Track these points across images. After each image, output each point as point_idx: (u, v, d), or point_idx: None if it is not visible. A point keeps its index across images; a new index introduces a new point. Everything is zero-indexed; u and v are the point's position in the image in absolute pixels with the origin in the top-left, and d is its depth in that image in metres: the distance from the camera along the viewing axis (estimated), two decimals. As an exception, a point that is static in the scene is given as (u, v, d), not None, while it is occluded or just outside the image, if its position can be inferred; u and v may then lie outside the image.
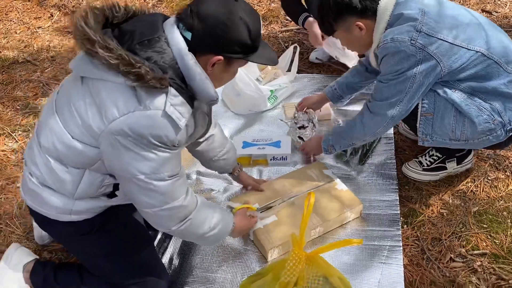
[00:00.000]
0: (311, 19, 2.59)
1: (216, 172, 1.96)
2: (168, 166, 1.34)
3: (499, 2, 3.42)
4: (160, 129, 1.26)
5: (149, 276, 1.60)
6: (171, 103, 1.26)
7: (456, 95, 1.73)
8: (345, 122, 2.00)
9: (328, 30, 1.84)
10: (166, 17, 1.36)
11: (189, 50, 1.27)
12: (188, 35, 1.28)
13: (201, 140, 1.77)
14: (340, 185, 1.98)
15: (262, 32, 1.38)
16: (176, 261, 1.83)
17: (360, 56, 2.26)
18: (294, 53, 2.69)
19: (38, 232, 1.88)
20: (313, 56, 2.93)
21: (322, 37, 2.55)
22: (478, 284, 1.67)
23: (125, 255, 1.57)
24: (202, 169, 2.10)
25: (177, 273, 1.78)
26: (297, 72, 2.73)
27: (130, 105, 1.24)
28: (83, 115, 1.29)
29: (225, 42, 1.28)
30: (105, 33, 1.26)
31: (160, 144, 1.28)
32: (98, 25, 1.26)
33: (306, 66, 2.92)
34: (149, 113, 1.24)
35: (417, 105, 1.79)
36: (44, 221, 1.52)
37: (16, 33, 3.52)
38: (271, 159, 2.22)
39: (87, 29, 1.21)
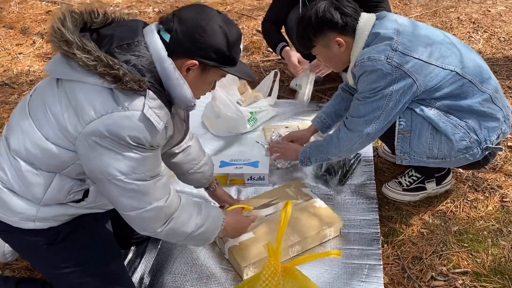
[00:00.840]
0: (288, 48, 2.64)
1: (192, 187, 1.91)
2: (149, 166, 1.30)
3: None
4: (138, 131, 1.23)
5: (119, 288, 1.51)
6: (149, 106, 1.23)
7: (432, 113, 1.74)
8: (324, 138, 1.99)
9: (306, 45, 1.86)
10: (146, 24, 1.36)
11: (168, 55, 1.26)
12: (167, 37, 1.27)
13: (177, 151, 1.73)
14: (319, 203, 1.94)
15: (241, 52, 1.39)
16: (146, 280, 1.73)
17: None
18: (275, 78, 2.72)
19: (0, 249, 1.77)
20: (293, 83, 2.96)
21: (300, 63, 2.59)
22: (460, 303, 1.62)
23: (91, 267, 1.47)
24: (181, 187, 2.05)
25: (148, 292, 1.69)
26: (278, 98, 2.74)
27: (107, 106, 1.20)
28: (59, 117, 1.25)
29: (202, 46, 1.28)
30: (83, 36, 1.25)
31: (138, 145, 1.25)
32: (76, 28, 1.25)
33: (287, 93, 2.94)
34: (127, 114, 1.21)
35: (395, 123, 1.79)
36: (6, 231, 1.43)
37: (-4, 58, 3.51)
38: (248, 179, 2.18)
39: (64, 30, 1.19)
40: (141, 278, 1.74)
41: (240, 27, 3.90)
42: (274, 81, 2.71)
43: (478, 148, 1.76)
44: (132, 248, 1.87)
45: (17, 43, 3.69)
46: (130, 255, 1.83)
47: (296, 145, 2.18)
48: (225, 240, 1.75)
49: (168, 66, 1.26)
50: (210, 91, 1.47)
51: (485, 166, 2.07)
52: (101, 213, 1.58)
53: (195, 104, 1.35)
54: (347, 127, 1.85)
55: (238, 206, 1.79)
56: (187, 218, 1.44)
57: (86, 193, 1.39)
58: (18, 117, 1.35)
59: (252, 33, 3.74)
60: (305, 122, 2.55)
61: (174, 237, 1.45)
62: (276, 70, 2.75)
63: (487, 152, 1.80)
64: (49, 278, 1.53)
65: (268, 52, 3.45)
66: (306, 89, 2.65)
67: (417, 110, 1.75)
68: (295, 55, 2.60)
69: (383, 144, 2.39)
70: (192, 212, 1.46)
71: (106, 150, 1.23)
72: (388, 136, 1.83)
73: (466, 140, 1.73)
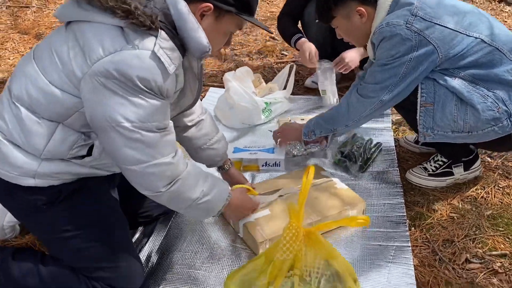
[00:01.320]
0: (303, 39, 2.58)
1: (205, 166, 1.79)
2: (157, 116, 1.20)
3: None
4: (148, 71, 1.14)
5: (122, 262, 1.37)
6: (161, 46, 1.16)
7: (457, 83, 1.63)
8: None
9: (326, 16, 1.79)
10: None
11: None
12: None
13: (189, 124, 1.64)
14: (340, 184, 1.81)
15: (258, 2, 1.33)
16: (154, 258, 1.59)
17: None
18: (290, 72, 2.64)
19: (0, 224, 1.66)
20: (308, 81, 2.88)
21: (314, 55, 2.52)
22: (500, 286, 1.45)
23: (94, 232, 1.35)
24: None
25: (155, 270, 1.55)
26: (292, 95, 2.66)
27: (117, 44, 1.13)
28: (65, 59, 1.17)
29: None
30: None
31: (147, 90, 1.16)
32: None
33: (302, 91, 2.86)
34: (137, 52, 1.13)
35: (416, 95, 1.69)
36: (4, 190, 1.32)
37: (9, 59, 3.49)
38: (263, 165, 2.06)
39: None
40: (149, 256, 1.60)
41: (253, 34, 3.92)
42: (289, 75, 2.63)
43: (508, 121, 1.63)
44: (140, 228, 1.74)
45: (30, 47, 3.69)
46: (137, 235, 1.70)
47: (296, 123, 2.09)
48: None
49: (182, 8, 1.19)
50: (225, 48, 1.39)
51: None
52: (107, 180, 1.47)
53: (210, 49, 1.26)
54: (359, 93, 1.75)
55: (244, 186, 1.68)
56: (193, 183, 1.33)
57: (90, 150, 1.29)
58: (22, 63, 1.28)
59: (266, 39, 3.71)
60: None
61: (177, 202, 1.33)
62: (292, 64, 2.68)
63: (517, 126, 1.68)
64: (48, 244, 1.40)
65: (282, 55, 3.40)
66: (330, 92, 2.57)
67: (440, 80, 1.65)
68: (309, 47, 2.53)
69: (404, 135, 2.29)
70: (199, 178, 1.36)
71: (112, 93, 1.14)
72: (409, 110, 1.72)
73: (494, 110, 1.61)
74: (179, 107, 1.43)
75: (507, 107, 1.62)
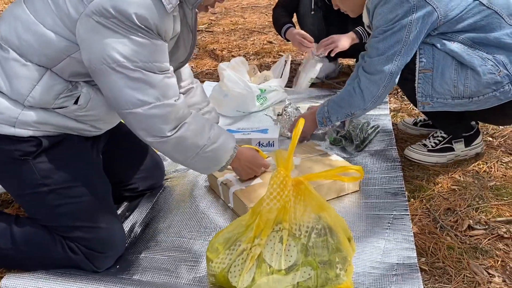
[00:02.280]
0: (293, 28, 2.57)
1: None
2: (157, 56, 1.17)
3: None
4: (146, 9, 1.12)
5: (102, 223, 1.29)
6: None
7: (456, 46, 1.58)
8: (342, 90, 1.81)
9: None
10: None
11: None
12: None
13: (180, 90, 1.58)
14: (335, 157, 1.74)
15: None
16: (137, 230, 1.51)
17: None
18: (286, 62, 2.61)
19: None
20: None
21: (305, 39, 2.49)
22: (506, 251, 1.35)
23: (74, 188, 1.28)
24: None
25: (137, 239, 1.46)
26: (288, 87, 2.62)
27: None
28: (59, 0, 1.14)
29: None
30: None
31: (145, 28, 1.13)
32: None
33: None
34: None
35: (414, 61, 1.63)
36: None
37: None
38: (256, 145, 1.99)
39: None
40: (132, 227, 1.51)
41: (251, 39, 3.92)
42: (285, 64, 2.59)
43: (510, 85, 1.56)
44: (124, 203, 1.66)
45: None
46: (121, 210, 1.62)
47: (306, 113, 2.01)
48: (229, 185, 1.55)
49: None
50: (220, 1, 1.35)
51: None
52: (91, 141, 1.41)
53: None
54: (366, 71, 1.68)
55: (252, 147, 1.63)
56: (199, 129, 1.29)
57: (77, 102, 1.24)
58: (11, 7, 1.24)
59: (263, 43, 3.70)
60: (318, 102, 2.41)
61: (184, 149, 1.28)
62: (288, 53, 2.65)
63: (521, 93, 1.61)
64: (22, 200, 1.32)
65: (279, 56, 3.38)
66: (301, 80, 2.53)
67: (439, 45, 1.59)
68: (299, 32, 2.51)
69: (403, 119, 2.22)
70: (205, 124, 1.32)
71: (109, 32, 1.11)
72: (406, 79, 1.65)
73: (495, 73, 1.54)
74: (173, 62, 1.36)
75: (508, 71, 1.56)
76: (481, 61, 1.56)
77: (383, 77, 1.64)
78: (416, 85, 1.64)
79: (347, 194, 1.62)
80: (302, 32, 2.51)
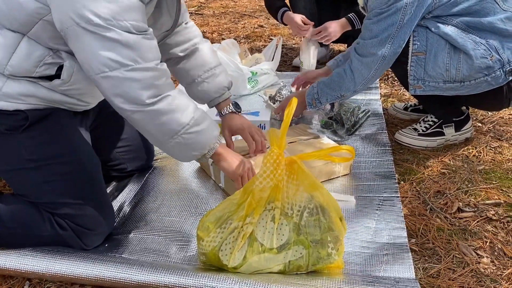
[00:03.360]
0: (289, 12, 2.54)
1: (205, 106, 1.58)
2: (133, 14, 1.08)
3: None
4: None
5: (91, 200, 1.27)
6: None
7: (450, 29, 1.58)
8: (332, 72, 1.80)
9: None
10: None
11: None
12: None
13: (181, 54, 1.48)
14: (326, 140, 1.73)
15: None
16: (126, 209, 1.49)
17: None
18: (277, 45, 2.58)
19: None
20: (296, 61, 2.83)
21: (304, 24, 2.47)
22: (495, 232, 1.36)
23: (62, 165, 1.24)
24: None
25: (127, 219, 1.44)
26: (280, 71, 2.60)
27: None
28: None
29: None
30: None
31: None
32: None
33: (289, 70, 2.80)
34: None
35: (408, 45, 1.62)
36: None
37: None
38: (248, 127, 1.97)
39: None
40: (120, 207, 1.49)
41: (242, 23, 3.88)
42: (276, 47, 2.57)
43: (501, 71, 1.57)
44: (113, 183, 1.63)
45: None
46: (109, 189, 1.60)
47: (297, 93, 2.00)
48: (220, 167, 1.53)
49: None
50: None
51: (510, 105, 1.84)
52: (79, 116, 1.38)
53: None
54: (359, 53, 1.67)
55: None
56: (184, 105, 1.19)
57: (59, 70, 1.19)
58: None
59: (254, 27, 3.66)
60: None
61: (164, 124, 1.16)
62: (279, 36, 2.62)
63: (511, 78, 1.61)
64: (8, 177, 1.28)
65: (270, 39, 3.35)
66: (306, 66, 2.52)
67: (433, 28, 1.59)
68: (297, 16, 2.49)
69: (393, 103, 2.22)
70: (190, 104, 1.22)
71: None
72: (398, 61, 1.65)
73: (487, 58, 1.55)
74: (157, 30, 1.29)
75: (500, 56, 1.56)
76: (474, 45, 1.55)
77: (375, 59, 1.63)
78: (408, 68, 1.63)
79: (338, 177, 1.62)
80: (302, 16, 2.48)
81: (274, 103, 2.14)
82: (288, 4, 2.72)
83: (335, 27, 2.41)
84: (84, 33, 1.06)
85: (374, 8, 1.61)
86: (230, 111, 1.55)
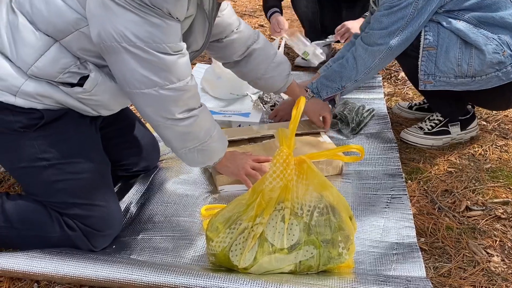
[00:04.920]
0: (277, 14, 2.55)
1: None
2: (171, 37, 1.13)
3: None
4: None
5: (101, 201, 1.26)
6: None
7: (462, 25, 1.57)
8: (332, 65, 1.78)
9: None
10: None
11: None
12: None
13: (238, 58, 1.62)
14: (324, 137, 1.73)
15: None
16: (133, 210, 1.48)
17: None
18: (279, 45, 2.58)
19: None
20: (299, 60, 2.82)
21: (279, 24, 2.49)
22: (504, 231, 1.36)
23: (73, 165, 1.23)
24: None
25: (133, 220, 1.43)
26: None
27: None
28: None
29: None
30: None
31: (157, 8, 1.08)
32: None
33: (292, 70, 2.78)
34: None
35: (419, 39, 1.61)
36: None
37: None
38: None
39: None
40: (127, 208, 1.48)
41: (242, 23, 3.87)
42: (279, 47, 2.56)
43: None
44: (119, 183, 1.62)
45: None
46: (115, 190, 1.58)
47: (289, 99, 1.98)
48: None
49: None
50: None
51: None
52: (90, 117, 1.37)
53: None
54: (365, 42, 1.66)
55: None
56: (208, 122, 1.32)
57: (82, 81, 1.19)
58: None
59: (255, 27, 3.65)
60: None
61: (186, 139, 1.28)
62: (281, 36, 2.61)
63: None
64: (20, 175, 1.27)
65: (271, 39, 3.33)
66: (311, 51, 2.50)
67: (444, 23, 1.58)
68: (278, 19, 2.51)
69: (398, 102, 2.21)
70: (212, 121, 1.35)
71: (121, 9, 1.06)
72: (409, 56, 1.64)
73: (499, 53, 1.54)
74: (189, 45, 1.31)
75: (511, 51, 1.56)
76: (486, 40, 1.55)
77: (381, 49, 1.63)
78: (419, 63, 1.62)
79: (341, 177, 1.62)
80: (281, 19, 2.50)
81: (265, 104, 2.13)
82: (291, 4, 2.72)
83: (354, 26, 2.38)
84: (124, 52, 1.10)
85: (386, 2, 1.60)
86: (312, 95, 1.79)
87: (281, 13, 2.59)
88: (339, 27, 2.41)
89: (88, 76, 1.18)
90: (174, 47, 1.15)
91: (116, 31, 1.08)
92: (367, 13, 2.41)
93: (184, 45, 1.20)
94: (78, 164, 1.24)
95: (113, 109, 1.35)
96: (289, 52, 2.99)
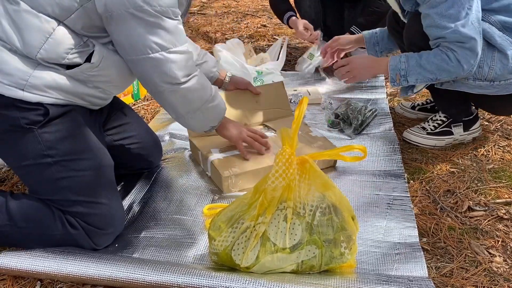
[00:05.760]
0: (294, 18, 2.56)
1: None
2: (173, 1, 1.19)
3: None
4: None
5: (104, 199, 1.26)
6: None
7: (488, 26, 1.56)
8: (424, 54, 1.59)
9: None
10: None
11: None
12: None
13: None
14: (314, 132, 1.75)
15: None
16: (136, 208, 1.48)
17: None
18: (282, 44, 2.58)
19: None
20: (301, 61, 2.82)
21: (306, 30, 2.50)
22: (506, 231, 1.36)
23: (77, 162, 1.24)
24: (175, 130, 1.93)
25: (136, 218, 1.43)
26: (284, 71, 2.60)
27: None
28: None
29: None
30: None
31: None
32: None
33: (294, 69, 2.79)
34: None
35: None
36: None
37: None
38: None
39: None
40: (130, 206, 1.49)
41: (245, 23, 3.87)
42: (282, 47, 2.57)
43: None
44: (121, 182, 1.62)
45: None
46: (118, 189, 1.58)
47: (367, 56, 1.93)
48: (207, 156, 1.60)
49: None
50: None
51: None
52: (94, 116, 1.38)
53: None
54: (456, 40, 1.51)
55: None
56: (205, 83, 1.37)
57: (88, 60, 1.21)
58: None
59: (257, 27, 3.66)
60: (315, 86, 2.39)
61: (190, 101, 1.33)
62: (284, 36, 2.62)
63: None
64: (24, 172, 1.27)
65: (273, 39, 3.34)
66: (315, 61, 2.52)
67: None
68: (301, 23, 2.51)
69: (400, 102, 2.21)
70: (207, 81, 1.40)
71: None
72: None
73: None
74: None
75: None
76: (510, 45, 1.54)
77: (473, 42, 1.50)
78: None
79: (344, 174, 1.62)
80: (305, 22, 2.50)
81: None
82: (293, 3, 2.73)
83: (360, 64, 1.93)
84: (130, 17, 1.14)
85: None
86: (230, 77, 1.83)
87: (297, 15, 2.61)
88: (340, 62, 1.93)
89: (93, 52, 1.21)
90: (175, 12, 1.21)
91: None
92: (352, 28, 2.42)
93: (180, 13, 1.25)
94: (82, 161, 1.24)
95: (121, 86, 1.38)
96: (291, 53, 3.00)
